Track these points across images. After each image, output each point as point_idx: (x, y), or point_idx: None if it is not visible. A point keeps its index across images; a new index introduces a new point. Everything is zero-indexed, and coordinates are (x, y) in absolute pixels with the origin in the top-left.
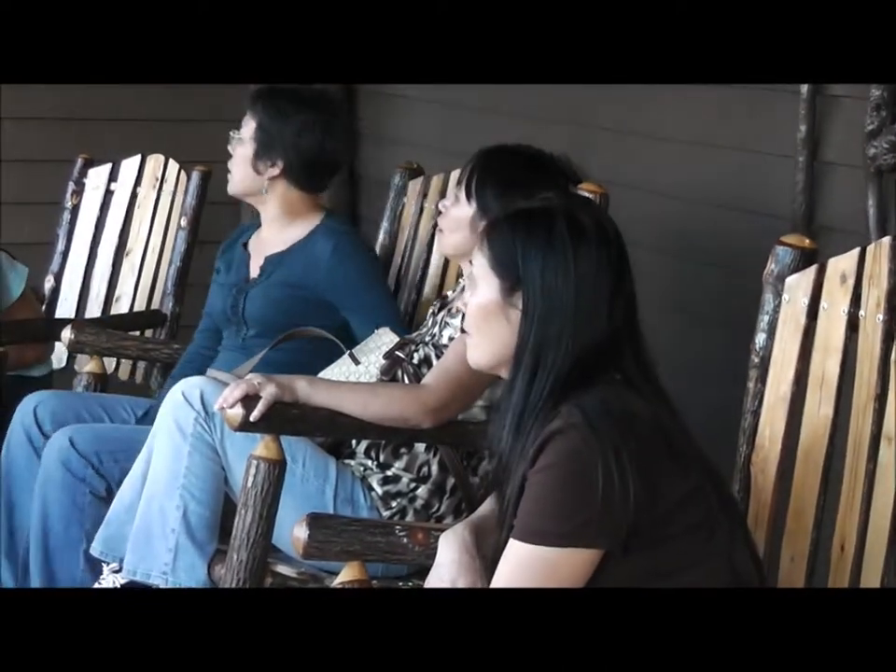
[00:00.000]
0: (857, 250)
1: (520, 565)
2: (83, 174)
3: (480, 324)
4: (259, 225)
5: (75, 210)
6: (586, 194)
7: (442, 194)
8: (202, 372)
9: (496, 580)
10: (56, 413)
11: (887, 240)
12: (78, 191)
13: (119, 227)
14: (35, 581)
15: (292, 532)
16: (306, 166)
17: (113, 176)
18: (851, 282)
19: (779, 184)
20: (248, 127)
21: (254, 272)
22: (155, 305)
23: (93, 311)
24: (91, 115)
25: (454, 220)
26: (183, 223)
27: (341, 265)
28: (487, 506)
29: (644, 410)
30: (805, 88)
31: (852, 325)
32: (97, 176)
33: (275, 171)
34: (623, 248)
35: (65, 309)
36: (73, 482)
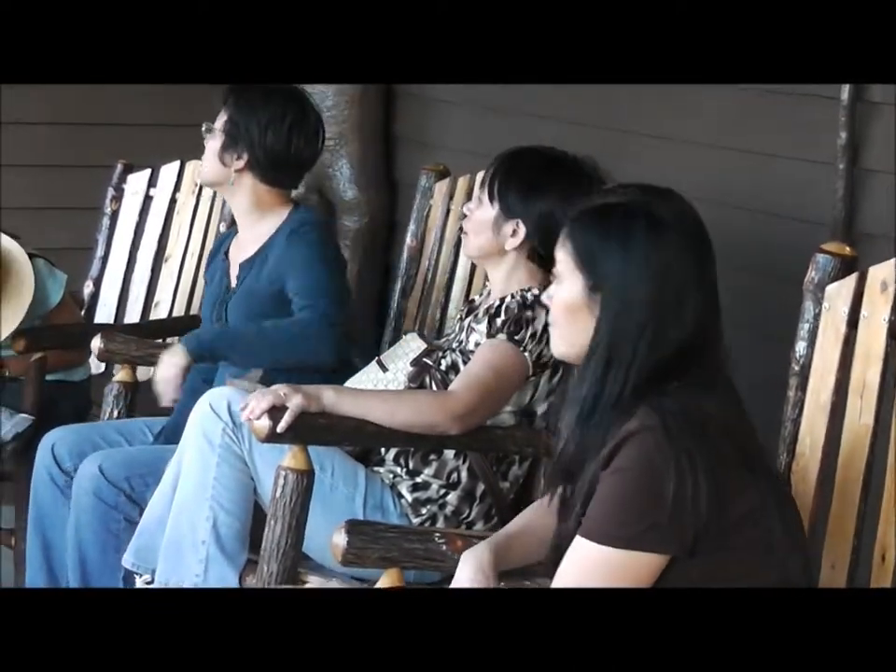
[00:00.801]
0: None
1: (586, 563)
2: (123, 179)
3: (565, 318)
4: (237, 231)
5: (114, 216)
6: None
7: (469, 196)
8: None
9: (560, 574)
10: (74, 447)
11: None
12: (118, 197)
13: (159, 232)
14: None
15: (331, 539)
16: (271, 161)
17: (152, 182)
18: (892, 290)
19: (820, 191)
20: (220, 120)
21: (233, 281)
22: (194, 310)
23: (133, 316)
24: (130, 120)
25: (478, 223)
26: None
27: (291, 247)
28: (514, 525)
29: (721, 417)
30: (845, 94)
31: (893, 333)
32: (137, 182)
33: (241, 163)
34: (705, 241)
35: (105, 314)
36: (105, 510)
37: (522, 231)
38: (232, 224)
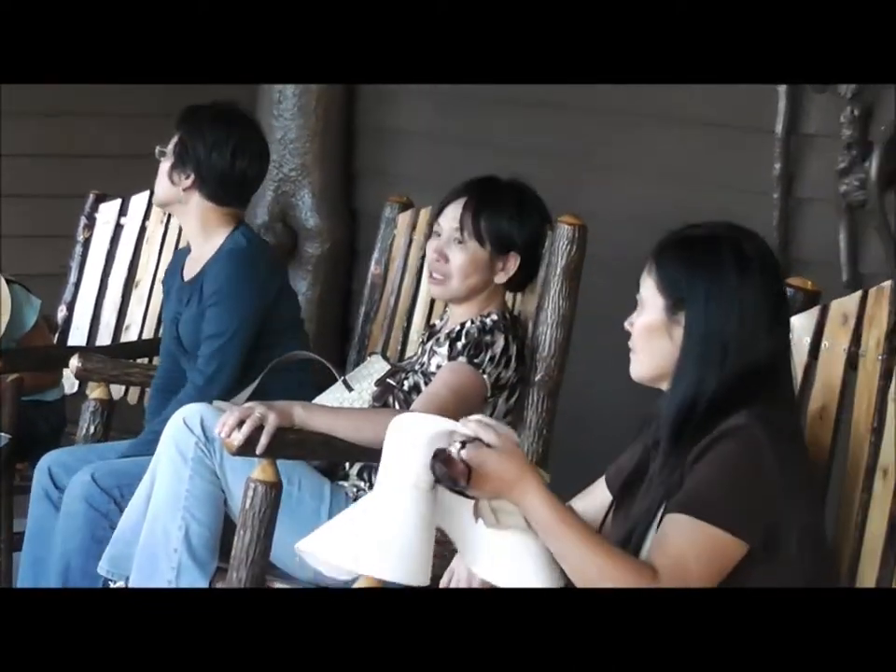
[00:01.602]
0: (859, 293)
1: (692, 537)
2: (95, 208)
3: (644, 341)
4: (188, 250)
5: (86, 243)
6: (566, 227)
7: (431, 226)
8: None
9: (666, 547)
10: (69, 466)
11: (887, 284)
12: (90, 225)
13: (129, 259)
14: None
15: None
16: (216, 180)
17: (123, 211)
18: (852, 322)
19: (756, 219)
20: (171, 143)
21: (183, 299)
22: (158, 332)
23: (104, 339)
24: (102, 151)
25: (466, 267)
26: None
27: (218, 265)
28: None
29: (799, 431)
30: (779, 127)
31: (852, 363)
32: (108, 211)
33: (188, 182)
34: (781, 281)
35: (78, 337)
36: (95, 516)
37: (515, 263)
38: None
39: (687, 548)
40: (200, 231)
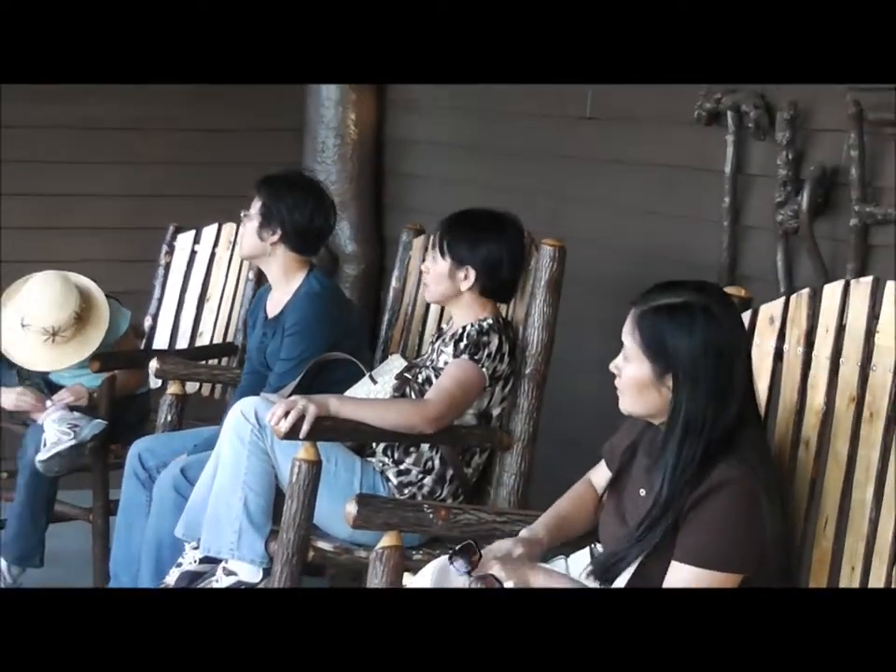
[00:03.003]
0: (782, 299)
1: (692, 585)
2: (174, 238)
3: (635, 391)
4: (269, 289)
5: (167, 266)
6: (548, 248)
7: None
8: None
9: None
10: (153, 451)
11: (805, 291)
12: (170, 252)
13: (202, 279)
14: (145, 581)
15: (345, 509)
16: (299, 235)
17: (196, 240)
18: (778, 323)
19: (709, 243)
20: (255, 205)
21: (267, 332)
22: (229, 339)
23: (182, 343)
24: (179, 192)
25: (436, 275)
26: (250, 276)
27: (298, 304)
28: (564, 505)
29: (776, 468)
30: (728, 168)
31: (778, 356)
32: (184, 240)
33: (275, 238)
34: (742, 326)
35: (161, 342)
36: (182, 501)
37: (472, 274)
38: (258, 273)
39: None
40: (282, 276)
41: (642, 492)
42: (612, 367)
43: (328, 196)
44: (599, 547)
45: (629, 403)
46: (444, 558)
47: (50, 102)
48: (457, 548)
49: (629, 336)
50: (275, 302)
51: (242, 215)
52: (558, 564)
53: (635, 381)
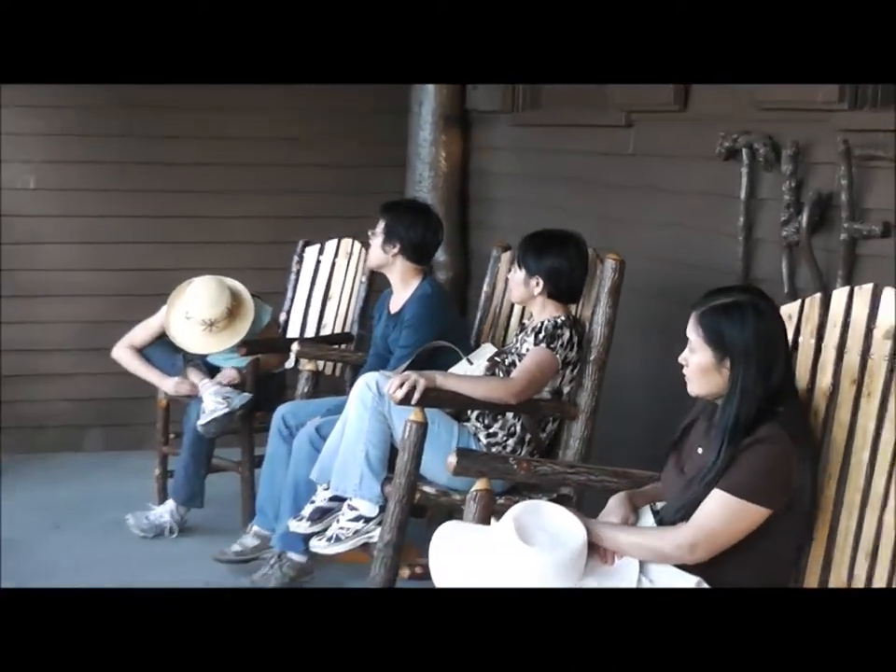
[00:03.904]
0: (798, 301)
1: (727, 509)
2: (303, 250)
3: (700, 377)
4: (392, 292)
5: (298, 273)
6: (611, 261)
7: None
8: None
9: (705, 515)
10: (294, 413)
11: (818, 295)
12: (300, 261)
13: (325, 283)
14: (285, 514)
15: (447, 460)
16: (414, 248)
17: (321, 252)
18: (795, 320)
19: (728, 254)
20: (380, 226)
21: (390, 325)
22: (346, 329)
23: (310, 332)
24: (307, 214)
25: (515, 283)
26: (363, 280)
27: (414, 304)
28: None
29: (805, 430)
30: (743, 194)
31: (794, 346)
32: (311, 252)
33: (395, 251)
34: (782, 320)
35: (293, 332)
36: (315, 454)
37: (540, 282)
38: (372, 276)
39: (718, 515)
40: (401, 281)
41: (700, 450)
42: (681, 359)
43: (436, 217)
44: (658, 505)
45: (696, 386)
46: (527, 502)
47: (211, 149)
48: (547, 497)
49: (693, 332)
50: (396, 302)
51: (369, 233)
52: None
53: (700, 367)
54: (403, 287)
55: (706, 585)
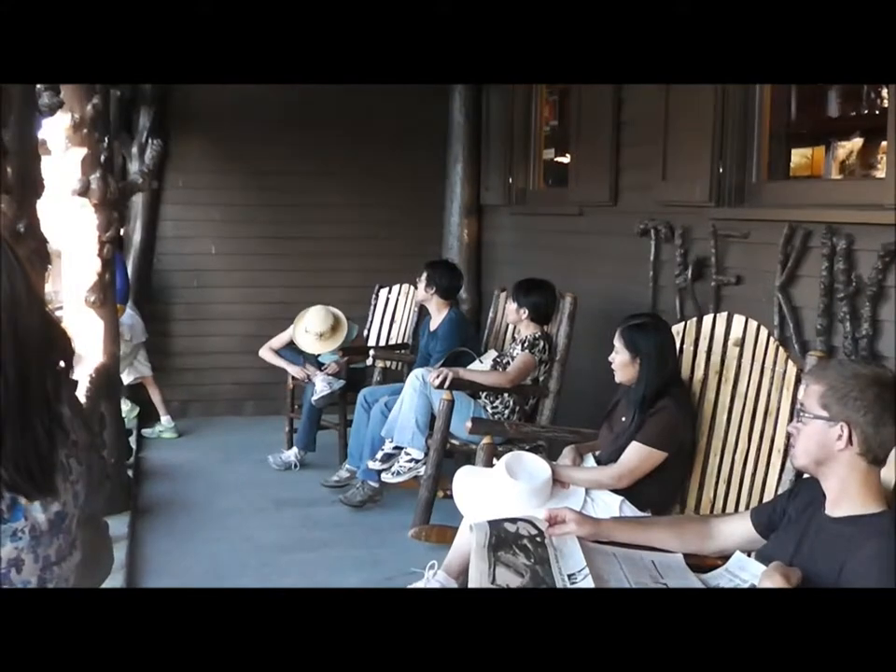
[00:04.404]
0: (682, 323)
1: (638, 454)
2: (378, 291)
3: (621, 368)
4: (430, 317)
5: (374, 305)
6: (569, 297)
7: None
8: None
9: (623, 461)
10: (372, 393)
11: (694, 319)
12: (376, 298)
13: (392, 311)
14: (366, 457)
15: (464, 425)
16: (444, 289)
17: (389, 291)
18: (680, 335)
19: (643, 294)
20: (423, 275)
21: (429, 340)
22: (404, 340)
23: (381, 342)
24: (380, 268)
25: (509, 311)
26: (414, 310)
27: (445, 324)
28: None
29: (687, 401)
30: (652, 257)
31: (681, 350)
32: (383, 292)
33: (432, 291)
34: (673, 337)
35: (371, 342)
36: (384, 420)
37: (526, 313)
38: (420, 308)
39: (635, 458)
40: (436, 310)
41: (623, 418)
42: (610, 358)
43: (458, 270)
44: (597, 453)
45: (619, 376)
46: (513, 452)
47: (325, 224)
48: (528, 447)
49: (617, 341)
50: (433, 324)
51: (417, 280)
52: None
53: (621, 363)
54: (438, 314)
55: (627, 502)
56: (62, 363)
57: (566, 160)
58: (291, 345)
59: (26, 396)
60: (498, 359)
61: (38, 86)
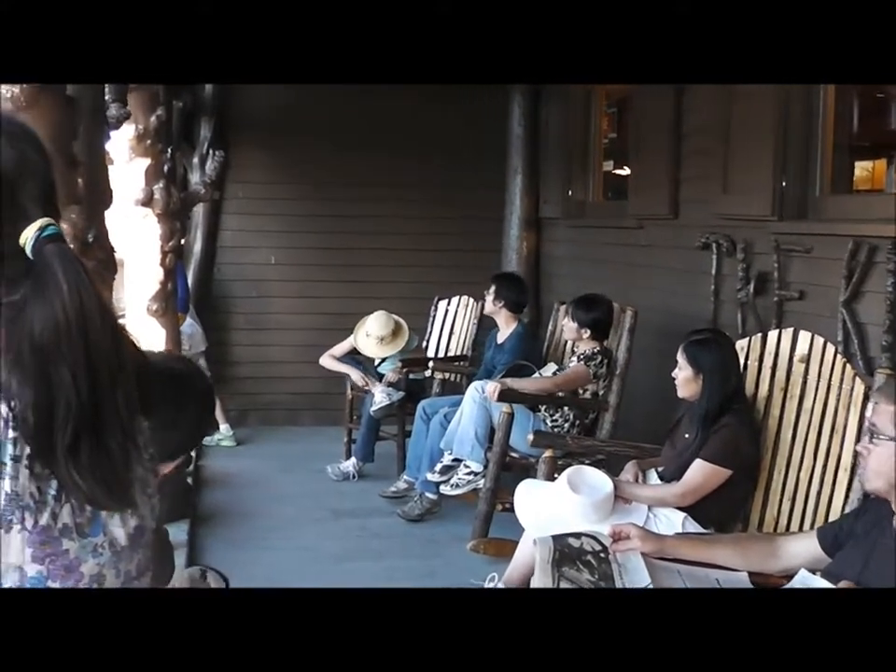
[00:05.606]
0: (747, 339)
1: (701, 471)
2: (437, 303)
3: (684, 385)
4: (497, 328)
5: (433, 317)
6: (630, 311)
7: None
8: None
9: (687, 478)
10: (431, 405)
11: (759, 335)
12: (435, 310)
13: (451, 323)
14: (424, 469)
15: (525, 438)
16: (512, 303)
17: (448, 303)
18: (745, 351)
19: (704, 309)
20: (492, 288)
21: (495, 352)
22: (463, 352)
23: (441, 353)
24: (439, 280)
25: (568, 328)
26: (474, 322)
27: (512, 338)
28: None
29: (752, 419)
30: (713, 271)
31: (744, 366)
32: (442, 303)
33: (501, 304)
34: (738, 354)
35: (430, 353)
36: (443, 431)
37: (588, 331)
38: (480, 320)
39: (699, 475)
40: (504, 323)
41: (686, 435)
42: (672, 374)
43: (525, 284)
44: (660, 469)
45: (682, 391)
46: (575, 466)
47: (384, 236)
48: (588, 461)
49: (680, 356)
50: (501, 336)
51: (485, 293)
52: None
53: (684, 379)
54: (506, 327)
55: (690, 519)
56: (133, 376)
57: (625, 172)
58: (350, 356)
59: (99, 410)
60: (557, 373)
61: (106, 97)
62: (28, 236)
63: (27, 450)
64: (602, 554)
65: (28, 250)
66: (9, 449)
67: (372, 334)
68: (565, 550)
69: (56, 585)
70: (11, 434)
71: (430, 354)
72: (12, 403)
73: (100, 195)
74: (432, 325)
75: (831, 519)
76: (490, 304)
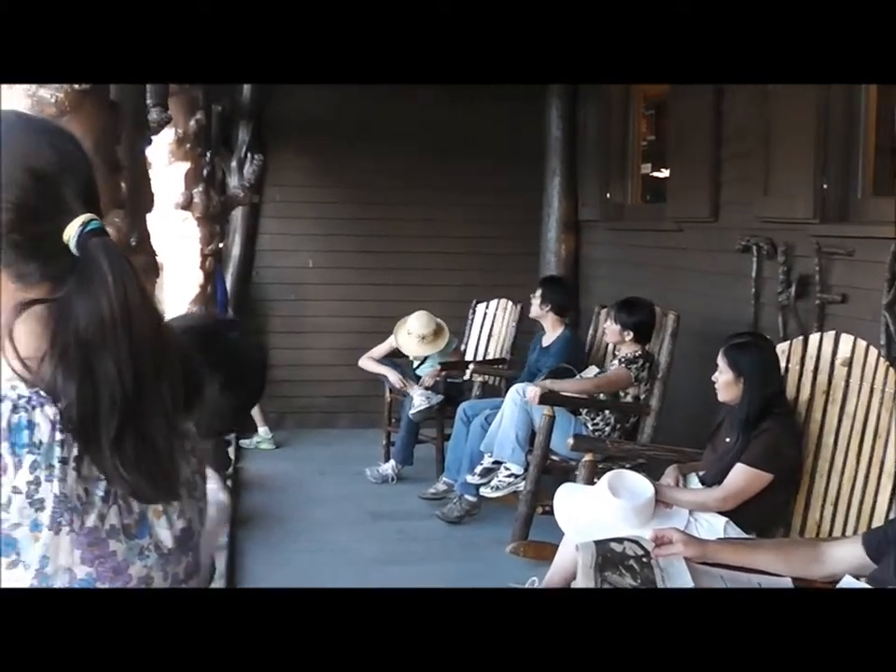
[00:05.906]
0: (787, 342)
1: (743, 475)
2: (475, 306)
3: (724, 389)
4: (543, 332)
5: (472, 320)
6: (672, 315)
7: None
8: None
9: (729, 482)
10: (472, 407)
11: (800, 338)
12: (474, 313)
13: (490, 326)
14: (464, 473)
15: (566, 441)
16: (559, 307)
17: (486, 306)
18: (786, 353)
19: (744, 312)
20: (538, 292)
21: (540, 355)
22: (502, 355)
23: (479, 356)
24: (479, 283)
25: (610, 331)
26: (513, 325)
27: (559, 342)
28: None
29: (793, 423)
30: (754, 274)
31: (786, 370)
32: (480, 306)
33: (547, 308)
34: (777, 356)
35: (469, 357)
36: (484, 433)
37: (630, 334)
38: (518, 323)
39: (741, 480)
40: (550, 327)
41: (727, 439)
42: (713, 377)
43: (571, 287)
44: (701, 474)
45: (722, 395)
46: (616, 470)
47: (425, 239)
48: (629, 465)
49: (721, 360)
50: (546, 340)
51: (531, 296)
52: (690, 480)
53: (725, 383)
54: (552, 331)
55: (732, 523)
56: (179, 370)
57: (663, 175)
58: (389, 359)
59: (144, 402)
60: (599, 373)
61: (148, 101)
62: (72, 232)
63: (74, 451)
64: (644, 559)
65: (73, 245)
66: (57, 451)
67: (414, 332)
68: (607, 554)
69: (105, 587)
70: (59, 436)
71: (469, 357)
72: (59, 405)
73: (142, 199)
74: (470, 328)
75: (874, 525)
76: (536, 308)
